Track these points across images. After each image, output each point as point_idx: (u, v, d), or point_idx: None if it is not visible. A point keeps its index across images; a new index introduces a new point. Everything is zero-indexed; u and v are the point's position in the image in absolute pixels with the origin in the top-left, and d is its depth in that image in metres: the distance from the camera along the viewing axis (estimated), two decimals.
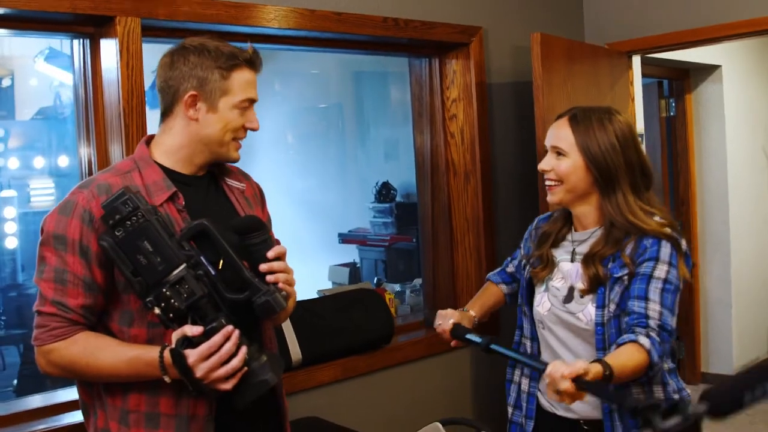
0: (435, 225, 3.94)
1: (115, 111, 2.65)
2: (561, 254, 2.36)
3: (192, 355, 1.77)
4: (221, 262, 1.85)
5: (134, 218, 1.77)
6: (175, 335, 1.79)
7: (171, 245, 1.79)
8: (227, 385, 1.81)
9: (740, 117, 6.15)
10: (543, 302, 2.35)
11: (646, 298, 2.12)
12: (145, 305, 1.79)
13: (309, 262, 5.46)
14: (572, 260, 2.33)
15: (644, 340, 2.04)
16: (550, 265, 2.36)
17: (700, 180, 6.13)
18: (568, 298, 2.29)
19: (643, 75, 4.81)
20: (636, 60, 4.45)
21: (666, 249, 2.18)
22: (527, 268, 2.44)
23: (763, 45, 6.36)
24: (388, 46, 3.65)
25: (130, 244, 1.78)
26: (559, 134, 2.28)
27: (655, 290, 2.12)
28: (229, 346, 1.79)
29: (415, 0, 3.54)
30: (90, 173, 2.75)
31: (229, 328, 1.80)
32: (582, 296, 2.25)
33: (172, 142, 2.00)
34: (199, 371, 1.77)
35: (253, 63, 2.02)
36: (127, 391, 1.90)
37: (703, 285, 6.09)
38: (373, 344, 3.36)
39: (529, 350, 2.42)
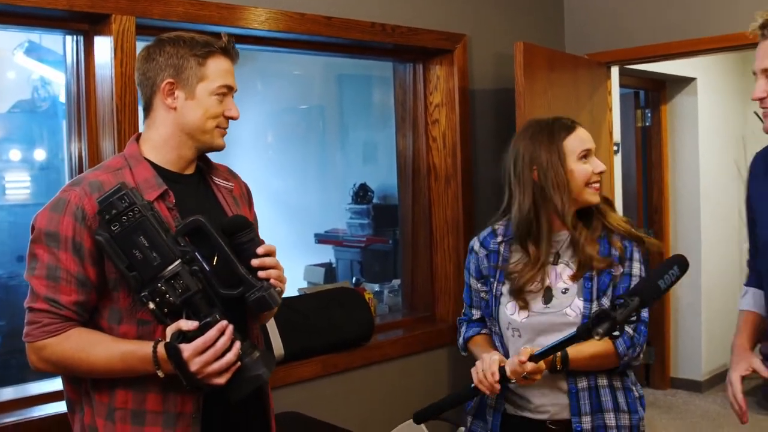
0: (415, 227, 4.00)
1: (108, 107, 2.69)
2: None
3: (187, 349, 1.78)
4: (215, 258, 1.88)
5: (131, 213, 1.79)
6: (170, 330, 1.81)
7: (167, 241, 1.81)
8: (221, 380, 1.83)
9: (713, 129, 6.28)
10: (517, 310, 2.34)
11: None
12: (140, 300, 1.81)
13: (285, 262, 5.46)
14: (555, 263, 2.34)
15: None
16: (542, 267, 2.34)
17: (673, 189, 6.25)
18: (547, 298, 2.30)
19: (621, 85, 4.90)
20: (614, 70, 4.54)
21: (638, 252, 2.35)
22: (512, 276, 2.36)
23: (737, 60, 6.49)
24: (374, 50, 3.71)
25: (126, 239, 1.79)
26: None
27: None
28: (223, 341, 1.80)
29: (401, 6, 3.61)
30: (80, 168, 2.78)
31: (224, 323, 1.82)
32: (564, 292, 2.29)
33: (158, 135, 2.01)
34: (194, 365, 1.79)
35: (228, 51, 2.03)
36: (114, 387, 1.90)
37: (674, 291, 6.19)
38: (352, 342, 3.42)
39: None
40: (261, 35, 3.15)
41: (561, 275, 2.32)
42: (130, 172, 1.96)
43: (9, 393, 2.73)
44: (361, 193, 6.36)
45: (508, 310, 2.35)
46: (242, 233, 1.92)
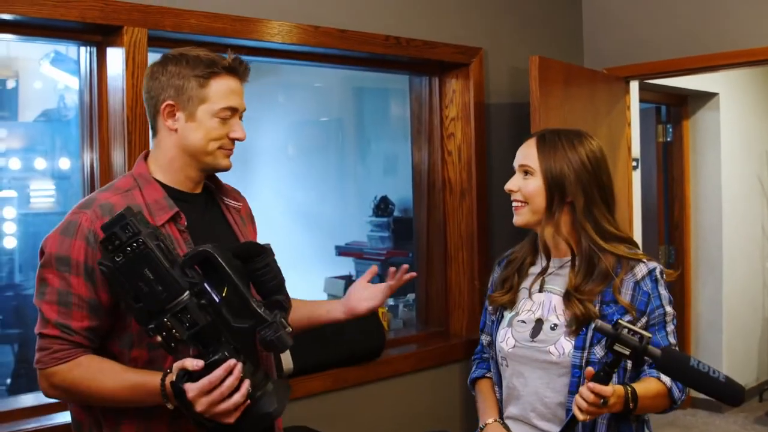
0: (430, 241, 3.98)
1: (119, 118, 2.70)
2: (528, 284, 2.26)
3: (191, 389, 1.70)
4: (226, 288, 1.79)
5: (134, 245, 1.69)
6: (176, 367, 1.74)
7: (173, 273, 1.71)
8: (230, 419, 1.74)
9: (736, 144, 6.22)
10: (507, 338, 2.22)
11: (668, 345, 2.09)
12: (147, 333, 1.72)
13: (305, 274, 5.49)
14: (541, 290, 2.22)
15: (665, 378, 2.04)
16: (513, 292, 2.27)
17: (695, 205, 6.18)
18: (536, 331, 2.17)
19: (642, 100, 4.86)
20: (634, 85, 4.51)
21: (664, 291, 2.14)
22: (491, 298, 2.34)
23: (760, 75, 6.43)
24: (389, 63, 3.70)
25: (131, 271, 1.70)
26: (527, 153, 2.23)
27: (671, 333, 2.13)
28: (231, 381, 1.71)
29: (417, 19, 3.60)
30: (92, 178, 2.79)
31: (231, 362, 1.72)
32: (553, 328, 2.14)
33: (162, 156, 1.98)
34: (200, 406, 1.70)
35: (234, 70, 1.97)
36: (122, 415, 1.87)
37: (695, 309, 6.13)
38: (364, 357, 3.40)
39: (497, 395, 2.33)
40: (274, 48, 3.16)
41: (554, 307, 2.18)
42: (140, 193, 1.93)
43: (29, 400, 2.75)
44: (382, 206, 6.35)
45: (500, 336, 2.26)
46: (256, 259, 1.83)
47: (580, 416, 1.88)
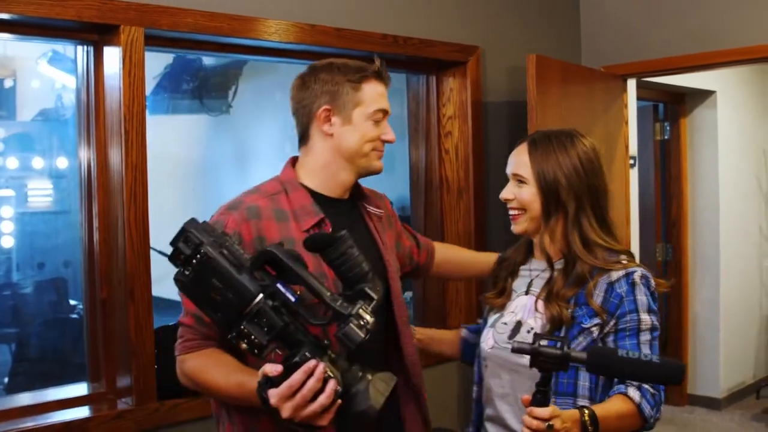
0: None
1: (116, 117, 2.70)
2: (519, 286, 2.22)
3: (273, 396, 1.64)
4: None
5: (198, 256, 1.65)
6: (260, 373, 1.69)
7: (240, 278, 1.65)
8: (322, 422, 1.67)
9: (733, 142, 6.23)
10: (487, 339, 2.19)
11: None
12: (230, 341, 1.68)
13: None
14: (527, 292, 2.18)
15: (634, 393, 1.95)
16: (506, 295, 2.22)
17: (693, 203, 6.19)
18: (513, 333, 2.12)
19: (639, 98, 4.86)
20: (631, 83, 4.51)
21: (642, 296, 2.04)
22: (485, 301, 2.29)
23: (757, 72, 6.44)
24: (386, 62, 3.68)
25: (201, 282, 1.66)
26: (519, 161, 2.15)
27: (645, 344, 2.01)
28: (312, 383, 1.62)
29: (414, 18, 3.61)
30: (89, 176, 2.79)
31: (312, 363, 1.64)
32: (529, 332, 2.07)
33: (315, 162, 2.03)
34: (285, 411, 1.63)
35: (381, 75, 2.05)
36: (258, 411, 1.81)
37: (692, 307, 6.13)
38: None
39: (474, 395, 2.28)
40: (271, 46, 3.16)
41: (533, 310, 2.13)
42: (287, 198, 1.97)
43: (26, 398, 2.78)
44: None
45: (483, 337, 2.23)
46: (329, 250, 1.74)
47: None
